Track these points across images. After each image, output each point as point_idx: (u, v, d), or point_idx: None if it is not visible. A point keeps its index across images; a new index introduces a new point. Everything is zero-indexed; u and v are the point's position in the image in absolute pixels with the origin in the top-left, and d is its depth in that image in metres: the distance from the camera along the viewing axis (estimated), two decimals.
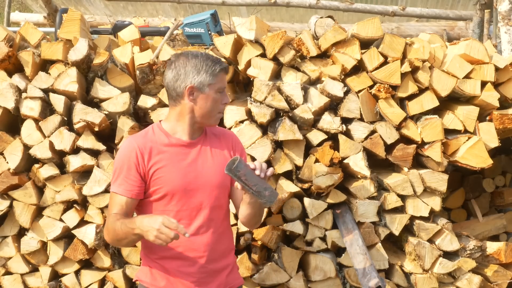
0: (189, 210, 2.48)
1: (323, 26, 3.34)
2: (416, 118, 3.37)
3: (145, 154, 2.45)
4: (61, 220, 3.27)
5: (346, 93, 3.30)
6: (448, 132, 3.38)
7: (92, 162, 3.21)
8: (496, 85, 3.44)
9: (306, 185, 3.31)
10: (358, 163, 3.28)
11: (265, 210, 3.26)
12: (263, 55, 3.27)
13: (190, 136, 2.53)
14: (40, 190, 3.30)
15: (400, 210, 3.39)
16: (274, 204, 2.38)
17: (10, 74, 3.27)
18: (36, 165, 3.25)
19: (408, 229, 3.45)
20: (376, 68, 3.29)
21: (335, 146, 3.30)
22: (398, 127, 3.33)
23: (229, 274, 2.58)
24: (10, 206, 3.26)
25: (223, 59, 2.60)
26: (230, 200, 2.64)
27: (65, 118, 3.26)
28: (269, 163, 3.24)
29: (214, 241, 2.52)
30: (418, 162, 3.45)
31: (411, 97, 3.36)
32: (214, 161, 2.48)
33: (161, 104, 3.31)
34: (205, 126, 2.55)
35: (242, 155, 2.60)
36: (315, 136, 3.29)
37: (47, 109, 3.26)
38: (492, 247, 3.55)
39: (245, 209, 2.52)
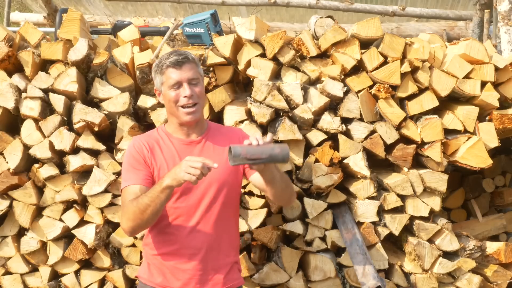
0: (187, 208, 2.50)
1: (323, 26, 3.34)
2: (416, 118, 3.37)
3: (149, 150, 2.54)
4: (61, 220, 3.27)
5: (346, 93, 3.29)
6: (448, 132, 3.38)
7: (92, 162, 3.21)
8: (496, 85, 3.44)
9: (306, 185, 3.31)
10: (358, 163, 3.28)
11: (265, 211, 3.27)
12: (263, 55, 3.27)
13: (187, 135, 2.58)
14: (40, 190, 3.30)
15: (400, 210, 3.39)
16: (287, 160, 2.34)
17: (10, 74, 3.27)
18: (36, 165, 3.25)
19: (408, 229, 3.45)
20: (376, 68, 3.29)
21: (335, 146, 3.30)
22: (398, 127, 3.33)
23: (227, 273, 2.58)
24: (10, 206, 3.26)
25: (192, 53, 2.61)
26: (258, 187, 2.63)
27: (65, 118, 3.26)
28: None
29: (212, 238, 2.52)
30: (418, 162, 3.45)
31: (411, 97, 3.36)
32: (215, 159, 2.49)
33: (161, 104, 3.29)
34: (186, 124, 2.56)
35: None
36: (315, 136, 3.29)
37: (47, 109, 3.26)
38: (492, 247, 3.55)
39: (270, 188, 2.52)
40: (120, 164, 3.22)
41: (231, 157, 2.28)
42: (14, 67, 3.31)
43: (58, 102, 3.22)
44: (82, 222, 3.28)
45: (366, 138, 3.31)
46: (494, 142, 3.39)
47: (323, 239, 3.36)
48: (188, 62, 2.51)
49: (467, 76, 3.37)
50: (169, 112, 2.59)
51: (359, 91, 3.30)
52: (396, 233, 3.36)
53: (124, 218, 2.46)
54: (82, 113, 3.18)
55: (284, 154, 2.31)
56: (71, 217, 3.26)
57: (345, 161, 3.30)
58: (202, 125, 2.63)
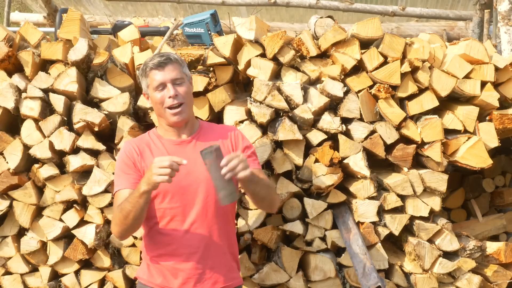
0: (182, 207, 2.51)
1: (323, 26, 3.34)
2: (416, 118, 3.37)
3: (139, 154, 2.55)
4: (61, 220, 3.27)
5: (346, 93, 3.29)
6: (448, 132, 3.38)
7: (92, 162, 3.21)
8: (496, 85, 3.44)
9: (306, 185, 3.31)
10: (358, 163, 3.28)
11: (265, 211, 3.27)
12: (263, 55, 3.27)
13: (178, 135, 2.59)
14: (40, 190, 3.30)
15: (400, 210, 3.39)
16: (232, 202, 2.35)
17: (10, 74, 3.27)
18: (36, 165, 3.25)
19: (408, 229, 3.45)
20: (376, 68, 3.29)
21: (335, 146, 3.30)
22: (398, 127, 3.33)
23: (227, 272, 2.58)
24: (10, 206, 3.26)
25: (175, 54, 2.64)
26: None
27: (65, 118, 3.26)
28: (269, 163, 3.24)
29: (209, 236, 2.53)
30: (418, 162, 3.45)
31: (411, 97, 3.36)
32: None
33: None
34: (174, 125, 2.57)
35: (246, 149, 2.63)
36: (315, 136, 3.29)
37: (47, 109, 3.26)
38: (492, 247, 3.55)
39: (249, 195, 2.57)
40: None
41: (202, 151, 2.30)
42: (14, 67, 3.31)
43: (58, 102, 3.22)
44: (82, 222, 3.28)
45: (366, 138, 3.31)
46: (494, 142, 3.39)
47: (323, 239, 3.36)
48: (171, 63, 2.52)
49: (467, 76, 3.37)
50: (157, 114, 2.61)
51: (359, 91, 3.30)
52: (396, 233, 3.36)
53: (113, 223, 2.52)
54: (82, 113, 3.18)
55: (223, 202, 2.29)
56: (71, 217, 3.26)
57: (345, 161, 3.30)
58: (192, 124, 2.63)
